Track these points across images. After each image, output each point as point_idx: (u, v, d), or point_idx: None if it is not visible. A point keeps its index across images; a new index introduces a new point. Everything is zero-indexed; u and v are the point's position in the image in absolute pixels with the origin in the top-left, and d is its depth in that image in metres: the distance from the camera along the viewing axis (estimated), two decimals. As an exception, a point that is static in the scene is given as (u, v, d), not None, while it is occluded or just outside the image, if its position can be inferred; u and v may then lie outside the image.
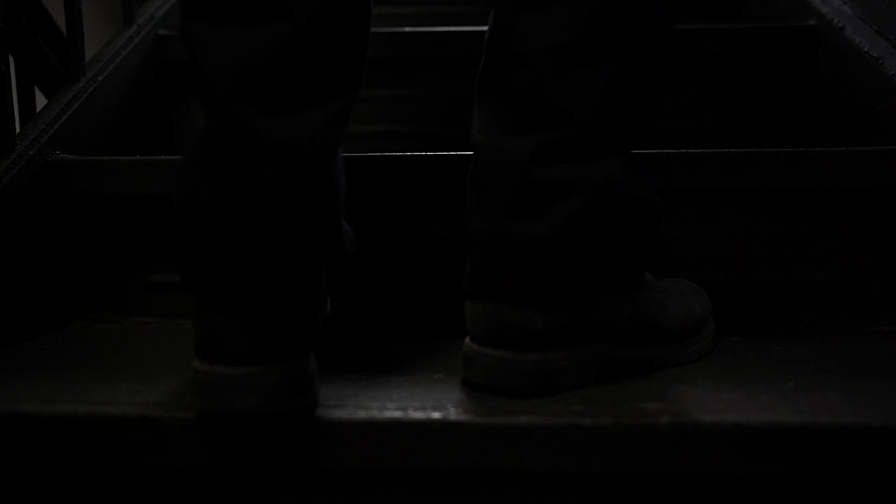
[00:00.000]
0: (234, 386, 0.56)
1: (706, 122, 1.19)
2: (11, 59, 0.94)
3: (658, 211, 0.70)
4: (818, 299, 0.86)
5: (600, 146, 0.63)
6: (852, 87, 1.05)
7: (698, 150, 0.85)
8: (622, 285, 0.67)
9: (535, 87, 0.63)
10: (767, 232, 0.86)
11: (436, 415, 0.58)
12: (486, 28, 0.68)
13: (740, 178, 0.84)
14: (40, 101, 1.03)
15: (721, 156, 0.85)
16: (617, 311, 0.66)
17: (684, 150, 0.85)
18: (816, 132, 1.16)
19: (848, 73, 1.07)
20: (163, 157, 0.90)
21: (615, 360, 0.67)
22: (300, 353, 0.58)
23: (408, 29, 1.23)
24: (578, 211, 0.62)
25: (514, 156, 0.63)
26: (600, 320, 0.65)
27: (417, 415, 0.58)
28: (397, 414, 0.58)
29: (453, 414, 0.58)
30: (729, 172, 0.84)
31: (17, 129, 0.88)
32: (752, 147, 1.10)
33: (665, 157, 0.85)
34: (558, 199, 0.62)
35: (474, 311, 0.64)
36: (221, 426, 0.58)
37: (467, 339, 0.65)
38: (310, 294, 0.60)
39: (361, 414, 0.59)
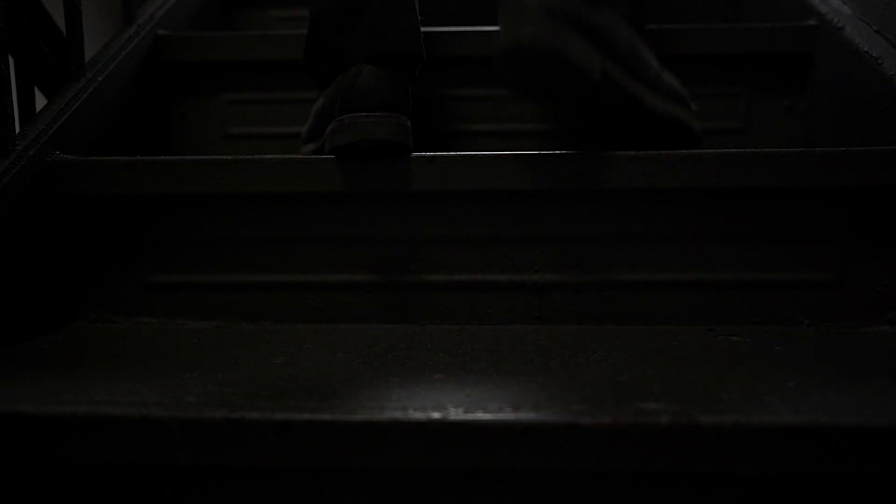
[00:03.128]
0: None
1: (705, 122, 1.19)
2: (11, 60, 0.94)
3: None
4: (818, 299, 0.86)
5: None
6: (852, 87, 1.05)
7: (698, 150, 0.86)
8: (619, 9, 0.89)
9: None
10: (767, 231, 0.86)
11: (436, 415, 0.58)
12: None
13: (740, 177, 0.84)
14: (40, 101, 1.03)
15: (721, 156, 0.85)
16: (616, 23, 0.88)
17: (683, 151, 0.86)
18: (816, 132, 1.16)
19: (848, 73, 1.07)
20: (162, 157, 0.90)
21: (612, 83, 0.87)
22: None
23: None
24: None
25: None
26: (605, 27, 0.85)
27: (417, 415, 0.58)
28: (397, 414, 0.58)
29: (453, 414, 0.58)
30: (728, 172, 0.84)
31: (17, 129, 0.88)
32: (752, 147, 1.10)
33: (664, 158, 0.85)
34: None
35: (506, 10, 0.81)
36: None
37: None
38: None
39: (361, 414, 0.59)
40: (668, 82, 0.96)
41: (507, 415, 0.58)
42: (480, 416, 0.58)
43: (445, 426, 0.57)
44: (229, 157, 0.88)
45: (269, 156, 0.88)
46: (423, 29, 0.94)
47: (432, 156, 0.87)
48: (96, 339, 0.83)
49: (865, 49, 1.02)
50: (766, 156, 0.84)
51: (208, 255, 0.90)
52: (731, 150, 0.85)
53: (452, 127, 1.21)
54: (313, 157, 0.88)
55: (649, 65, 0.93)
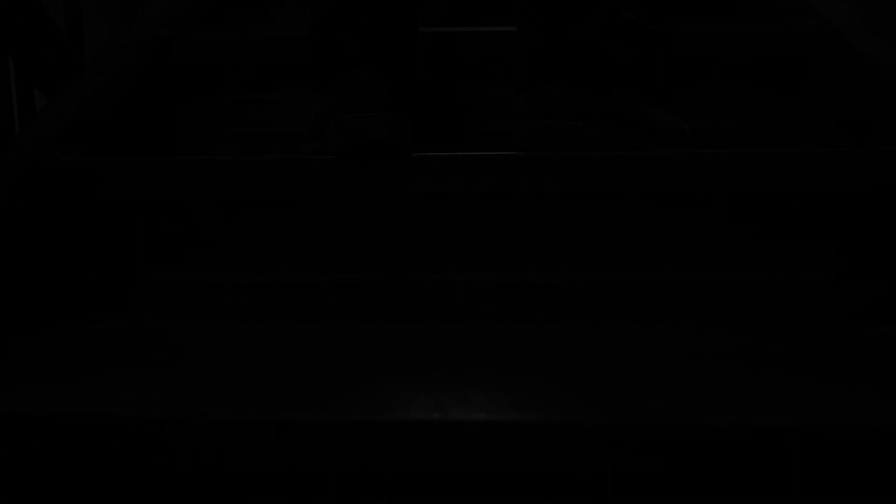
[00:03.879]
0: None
1: (704, 123, 1.19)
2: (11, 60, 0.94)
3: (653, 37, 1.02)
4: (818, 299, 0.86)
5: None
6: (852, 87, 1.05)
7: (698, 151, 0.86)
8: (629, 86, 0.96)
9: None
10: (767, 231, 0.86)
11: (436, 415, 0.58)
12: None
13: (739, 178, 0.84)
14: (40, 101, 1.03)
15: (720, 157, 0.85)
16: (623, 98, 0.94)
17: (682, 152, 0.86)
18: (816, 132, 1.16)
19: (847, 73, 1.07)
20: (163, 157, 0.90)
21: (622, 143, 0.95)
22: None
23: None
24: (604, 22, 0.93)
25: None
26: (612, 109, 0.93)
27: (417, 415, 0.58)
28: (397, 414, 0.58)
29: (453, 414, 0.58)
30: (728, 173, 0.85)
31: (17, 129, 0.88)
32: (751, 148, 1.10)
33: (663, 158, 0.85)
34: (594, 13, 0.93)
35: (530, 99, 0.92)
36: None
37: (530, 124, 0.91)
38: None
39: (361, 414, 0.59)
40: (669, 124, 1.03)
41: (507, 415, 0.58)
42: (480, 416, 0.58)
43: (445, 426, 0.58)
44: (229, 157, 0.88)
45: (269, 156, 0.88)
46: (429, 29, 0.95)
47: (432, 156, 0.87)
48: (96, 339, 0.83)
49: (865, 49, 1.02)
50: (766, 156, 0.84)
51: (208, 255, 0.90)
52: (730, 150, 0.85)
53: (456, 126, 1.21)
54: (313, 157, 0.88)
55: (653, 121, 1.00)
